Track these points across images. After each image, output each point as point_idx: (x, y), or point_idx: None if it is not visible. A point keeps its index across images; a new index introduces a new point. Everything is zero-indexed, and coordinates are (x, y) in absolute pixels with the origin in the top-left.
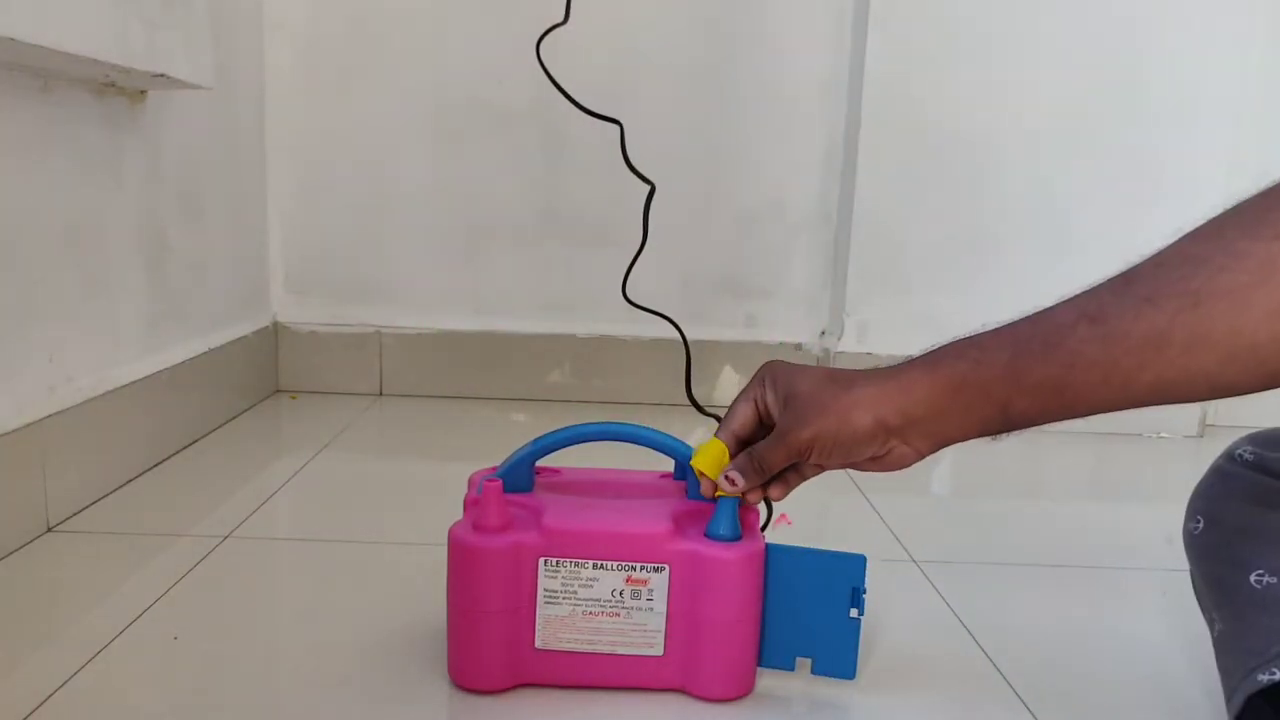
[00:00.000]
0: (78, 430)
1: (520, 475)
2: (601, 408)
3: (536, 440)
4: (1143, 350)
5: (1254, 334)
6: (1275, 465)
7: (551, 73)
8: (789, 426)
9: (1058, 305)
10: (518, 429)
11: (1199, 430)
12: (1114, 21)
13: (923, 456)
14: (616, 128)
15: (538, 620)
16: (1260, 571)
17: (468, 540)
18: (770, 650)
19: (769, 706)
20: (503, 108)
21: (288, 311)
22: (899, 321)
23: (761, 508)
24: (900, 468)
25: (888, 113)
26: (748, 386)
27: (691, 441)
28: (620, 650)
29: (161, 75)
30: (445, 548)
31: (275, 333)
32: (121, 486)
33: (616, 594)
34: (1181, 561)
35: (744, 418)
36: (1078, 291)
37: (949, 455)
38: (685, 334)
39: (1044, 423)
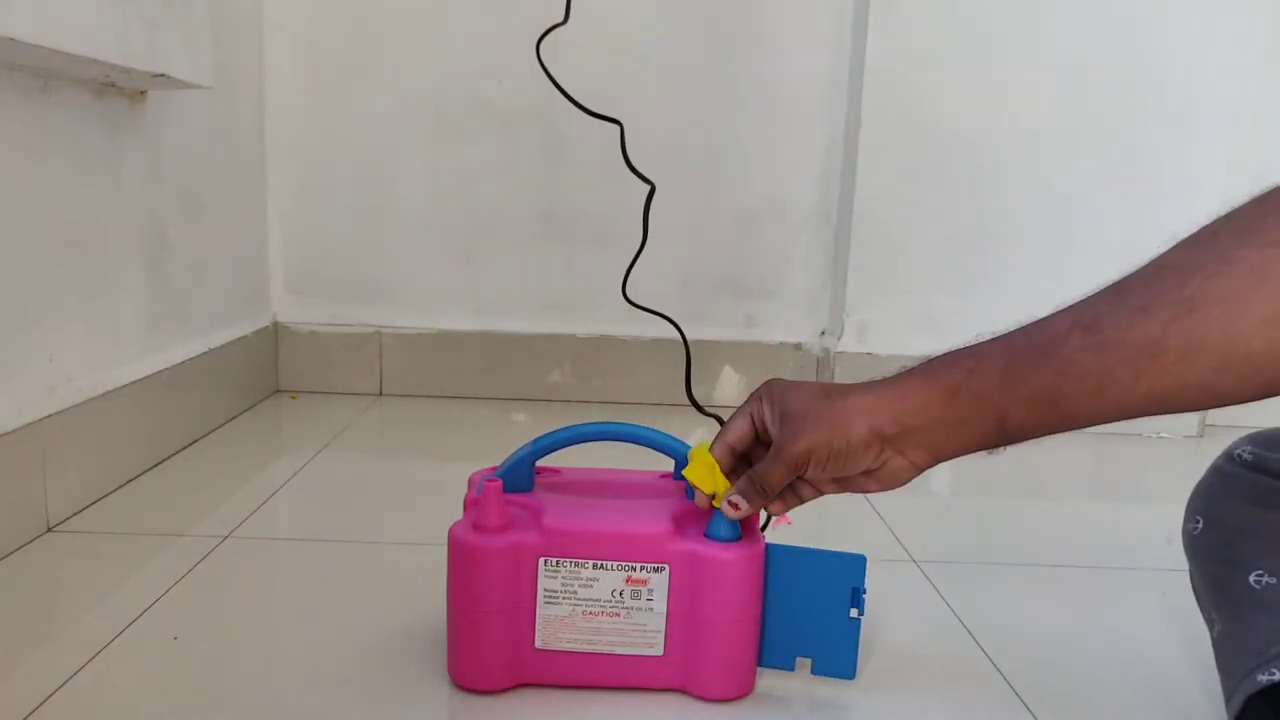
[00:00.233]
0: (78, 430)
1: (520, 475)
2: (601, 408)
3: (536, 440)
4: (1137, 359)
5: (1249, 341)
6: (1275, 465)
7: (551, 73)
8: (784, 441)
9: (1053, 315)
10: (518, 429)
11: (1199, 430)
12: (1114, 22)
13: (919, 471)
14: (616, 128)
15: (538, 620)
16: (1260, 571)
17: (468, 540)
18: (770, 650)
19: (769, 706)
20: (503, 108)
21: (288, 311)
22: (899, 321)
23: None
24: (896, 484)
25: (888, 113)
26: (746, 402)
27: (691, 441)
28: (620, 650)
29: (161, 75)
30: (445, 548)
31: (275, 333)
32: (121, 486)
33: (616, 594)
34: (1181, 561)
35: (740, 431)
36: (1073, 301)
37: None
38: (685, 334)
39: (1042, 435)
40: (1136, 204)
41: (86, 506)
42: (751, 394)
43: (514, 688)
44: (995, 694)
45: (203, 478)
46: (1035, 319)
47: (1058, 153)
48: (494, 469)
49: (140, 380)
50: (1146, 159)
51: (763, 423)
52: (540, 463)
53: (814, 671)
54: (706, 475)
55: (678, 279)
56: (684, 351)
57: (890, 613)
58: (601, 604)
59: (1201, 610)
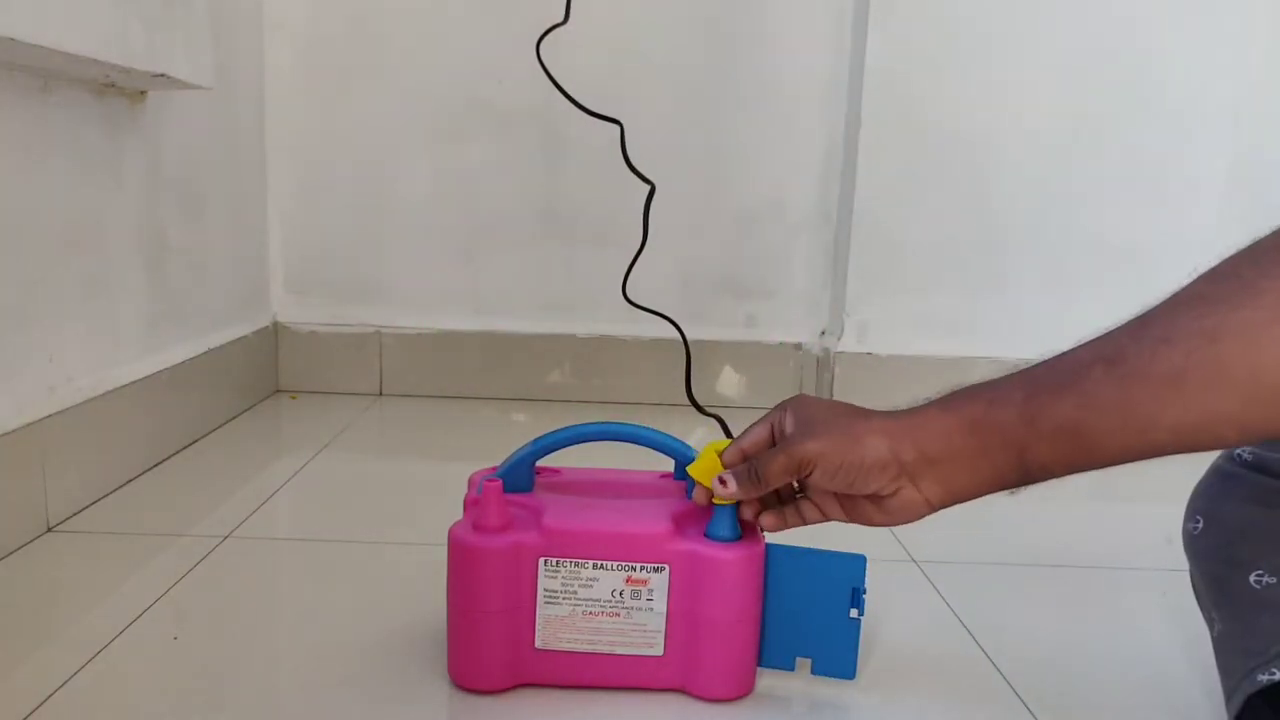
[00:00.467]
0: (78, 430)
1: (520, 475)
2: (601, 408)
3: (536, 440)
4: (1161, 391)
5: (1275, 372)
6: (1275, 465)
7: (551, 73)
8: (794, 438)
9: (1075, 348)
10: (518, 429)
11: None
12: (1114, 22)
13: (931, 509)
14: (616, 128)
15: (538, 620)
16: (1260, 571)
17: (468, 540)
18: (770, 650)
19: (769, 706)
20: (503, 108)
21: (288, 311)
22: (899, 321)
23: None
24: (906, 518)
25: (888, 113)
26: (770, 410)
27: (691, 441)
28: (620, 650)
29: (161, 75)
30: (445, 548)
31: (275, 333)
32: (121, 486)
33: (616, 594)
34: (1181, 561)
35: (757, 438)
36: (1095, 336)
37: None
38: (685, 334)
39: (1064, 472)
40: (1136, 204)
41: (86, 506)
42: (778, 404)
43: (514, 688)
44: (995, 694)
45: (203, 478)
46: (1056, 353)
47: (1058, 153)
48: (494, 469)
49: (140, 380)
50: (1146, 159)
51: (782, 431)
52: (540, 463)
53: (814, 671)
54: (709, 471)
55: (678, 279)
56: (684, 351)
57: (890, 613)
58: (601, 604)
59: (1202, 610)
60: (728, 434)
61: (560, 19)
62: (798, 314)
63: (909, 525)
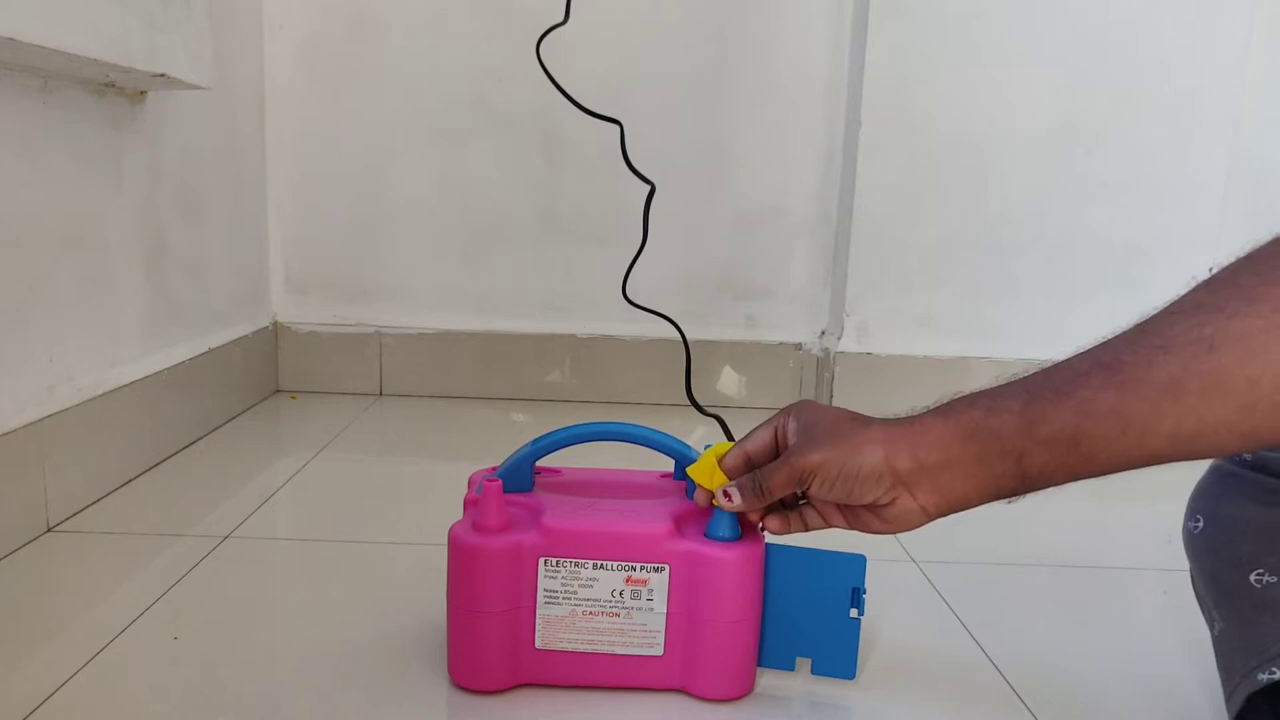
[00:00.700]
0: (78, 430)
1: (520, 475)
2: (601, 408)
3: (536, 440)
4: (1158, 398)
5: (1273, 380)
6: (1275, 465)
7: (551, 73)
8: (797, 449)
9: (1073, 356)
10: (518, 429)
11: None
12: (1113, 22)
13: (929, 517)
14: (616, 128)
15: (538, 620)
16: (1260, 571)
17: (468, 540)
18: (770, 650)
19: (769, 706)
20: (503, 108)
21: (288, 311)
22: (899, 321)
23: None
24: (905, 527)
25: (888, 113)
26: (773, 415)
27: (691, 441)
28: (620, 650)
29: (161, 75)
30: (445, 548)
31: (275, 333)
32: (121, 486)
33: (616, 594)
34: (1181, 561)
35: (760, 441)
36: (1093, 344)
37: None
38: (685, 334)
39: (1063, 480)
40: (1136, 204)
41: (86, 506)
42: (782, 409)
43: (514, 688)
44: (995, 694)
45: (203, 478)
46: (1055, 361)
47: (1058, 153)
48: (494, 469)
49: (140, 380)
50: (1146, 159)
51: (784, 437)
52: (540, 463)
53: (814, 671)
54: (709, 474)
55: (678, 279)
56: (684, 351)
57: (890, 613)
58: (601, 604)
59: (1202, 609)
60: (727, 434)
61: (560, 19)
62: (798, 314)
63: None
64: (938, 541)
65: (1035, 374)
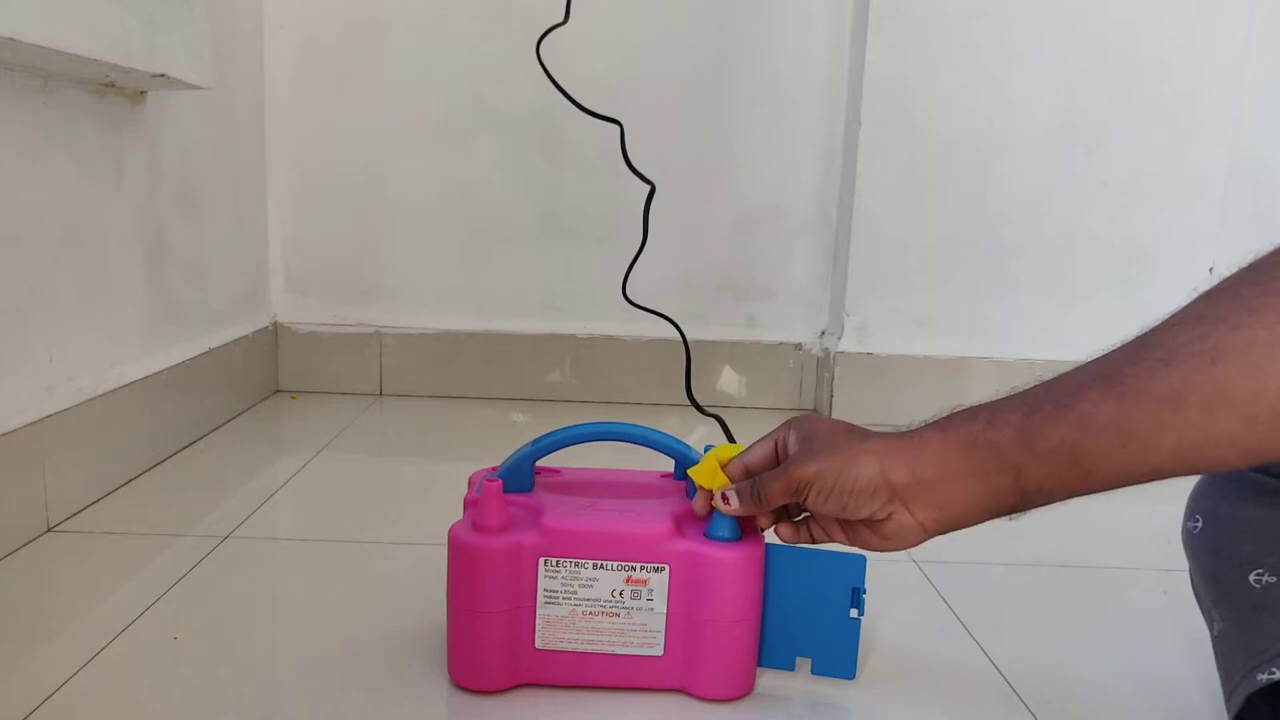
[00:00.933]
0: (78, 430)
1: (520, 475)
2: (601, 408)
3: (536, 440)
4: (1159, 411)
5: (1276, 393)
6: (1275, 465)
7: (551, 73)
8: (794, 460)
9: (1073, 370)
10: (518, 429)
11: None
12: (1113, 22)
13: (927, 534)
14: (616, 128)
15: (538, 620)
16: (1260, 570)
17: (468, 540)
18: (770, 650)
19: (769, 706)
20: (503, 108)
21: (288, 311)
22: (899, 321)
23: None
24: (902, 543)
25: (888, 113)
26: (776, 428)
27: (691, 441)
28: (620, 650)
29: (161, 75)
30: (445, 548)
31: (275, 333)
32: (121, 486)
33: (616, 594)
34: (1181, 561)
35: (761, 454)
36: (1093, 357)
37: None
38: (685, 334)
39: (1063, 495)
40: (1136, 204)
41: (86, 506)
42: (784, 422)
43: (514, 688)
44: (995, 694)
45: (203, 478)
46: (1055, 375)
47: (1058, 153)
48: (494, 469)
49: (140, 380)
50: (1146, 159)
51: (784, 449)
52: (540, 463)
53: (814, 671)
54: (710, 475)
55: (678, 279)
56: (684, 351)
57: (890, 613)
58: (601, 604)
59: (1201, 609)
60: (727, 434)
61: (560, 19)
62: (798, 314)
63: None
64: (938, 541)
65: (1035, 387)
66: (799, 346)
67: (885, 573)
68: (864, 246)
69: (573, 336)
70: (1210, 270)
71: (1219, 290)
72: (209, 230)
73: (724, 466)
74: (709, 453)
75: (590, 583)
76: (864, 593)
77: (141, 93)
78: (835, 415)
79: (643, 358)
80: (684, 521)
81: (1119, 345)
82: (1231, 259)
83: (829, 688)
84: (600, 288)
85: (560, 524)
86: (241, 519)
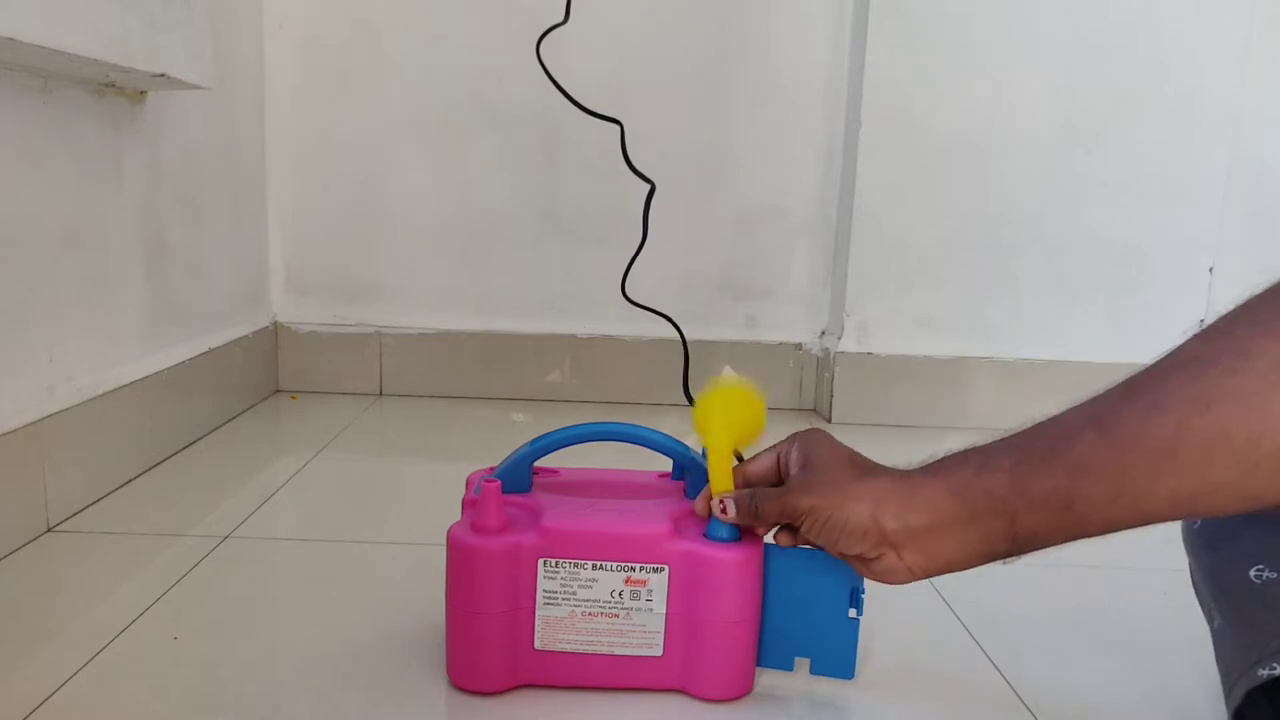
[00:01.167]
0: (78, 430)
1: (519, 476)
2: (601, 408)
3: (535, 440)
4: (1155, 458)
5: (1274, 439)
6: None
7: (552, 73)
8: (794, 488)
9: (1065, 411)
10: (518, 429)
11: None
12: (1113, 22)
13: (915, 576)
14: (616, 128)
15: (537, 621)
16: (1260, 567)
17: (466, 541)
18: (769, 650)
19: (768, 706)
20: (503, 108)
21: (288, 311)
22: (899, 321)
23: None
24: (890, 581)
25: (887, 113)
26: (781, 441)
27: (690, 442)
28: (619, 651)
29: (161, 75)
30: (445, 548)
31: (275, 333)
32: (121, 486)
33: (616, 594)
34: (1181, 560)
35: (763, 466)
36: (1086, 398)
37: (950, 447)
38: (685, 334)
39: (1057, 541)
40: (1136, 204)
41: (86, 506)
42: (790, 435)
43: (513, 688)
44: (995, 694)
45: (203, 478)
46: (1046, 417)
47: (1058, 153)
48: (492, 469)
49: (140, 380)
50: (1146, 159)
51: (786, 465)
52: (539, 463)
53: (813, 671)
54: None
55: (677, 279)
56: (683, 351)
57: (890, 613)
58: (601, 604)
59: (1201, 605)
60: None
61: (560, 19)
62: (798, 314)
63: None
64: None
65: (1028, 429)
66: (799, 346)
67: None
68: (864, 246)
69: (573, 336)
70: (1210, 270)
71: (1214, 329)
72: (209, 230)
73: (727, 464)
74: (720, 382)
75: (589, 583)
76: (863, 592)
77: (141, 93)
78: (835, 415)
79: (642, 358)
80: (683, 522)
81: (1112, 386)
82: (1231, 259)
83: (828, 688)
84: (600, 287)
85: (559, 524)
86: (241, 519)
